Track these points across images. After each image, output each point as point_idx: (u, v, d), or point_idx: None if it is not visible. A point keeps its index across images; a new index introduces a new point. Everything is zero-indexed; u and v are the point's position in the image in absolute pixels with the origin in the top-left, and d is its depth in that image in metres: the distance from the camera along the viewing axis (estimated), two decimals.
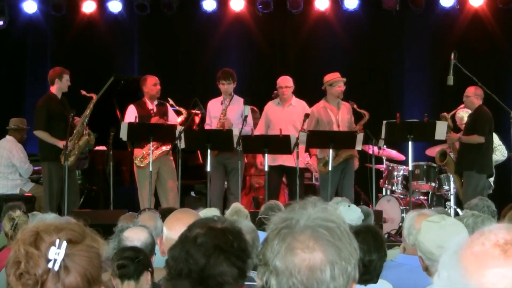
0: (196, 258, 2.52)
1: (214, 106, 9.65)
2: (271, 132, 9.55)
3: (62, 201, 9.36)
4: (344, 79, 9.69)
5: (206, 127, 9.72)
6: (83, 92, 9.54)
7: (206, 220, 2.73)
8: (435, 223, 3.60)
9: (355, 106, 9.52)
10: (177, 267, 2.52)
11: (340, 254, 1.67)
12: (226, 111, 9.55)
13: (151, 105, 9.74)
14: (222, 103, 9.64)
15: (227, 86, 9.58)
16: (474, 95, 9.33)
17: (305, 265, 1.65)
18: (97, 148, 10.58)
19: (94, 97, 9.58)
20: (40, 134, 9.44)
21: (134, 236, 4.33)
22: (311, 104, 9.87)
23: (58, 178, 9.37)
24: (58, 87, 9.45)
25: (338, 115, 9.61)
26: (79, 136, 9.46)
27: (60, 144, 9.29)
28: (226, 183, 9.78)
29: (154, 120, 9.58)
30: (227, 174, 9.68)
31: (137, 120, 9.51)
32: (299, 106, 9.79)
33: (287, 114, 9.72)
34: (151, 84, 9.72)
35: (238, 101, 9.70)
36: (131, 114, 9.66)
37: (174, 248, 2.58)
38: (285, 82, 9.81)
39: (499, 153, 10.27)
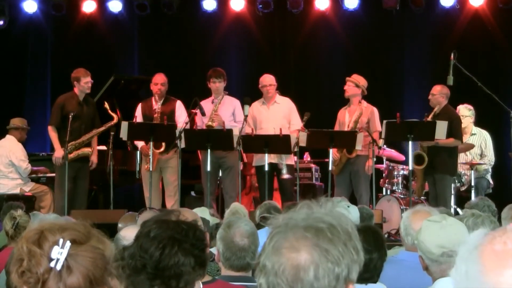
0: (150, 252, 2.52)
1: (205, 106, 9.64)
2: (260, 133, 9.57)
3: (72, 201, 9.48)
4: (352, 79, 9.70)
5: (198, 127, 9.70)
6: (106, 106, 9.61)
7: (160, 215, 2.73)
8: (435, 222, 3.60)
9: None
10: (133, 263, 2.53)
11: (326, 255, 1.66)
12: (217, 107, 9.57)
13: (156, 104, 9.77)
14: (213, 102, 9.66)
15: (218, 84, 9.63)
16: (440, 93, 9.34)
17: (290, 264, 1.65)
18: (97, 148, 10.57)
19: (115, 119, 9.61)
20: (49, 130, 9.56)
21: (131, 235, 4.31)
22: (309, 103, 9.89)
23: (69, 178, 9.41)
24: (77, 89, 9.55)
25: (353, 116, 9.64)
26: (82, 146, 9.47)
27: (58, 151, 9.31)
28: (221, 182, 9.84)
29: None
30: (221, 174, 9.71)
31: (136, 120, 9.56)
32: (284, 103, 9.82)
33: (273, 112, 9.74)
34: (152, 83, 9.79)
35: (230, 100, 9.76)
36: (136, 114, 9.79)
37: (130, 246, 2.59)
38: (269, 80, 9.82)
39: (487, 160, 10.30)
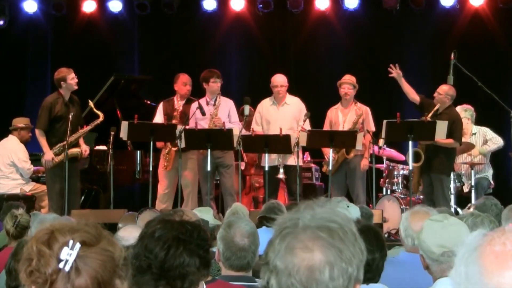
0: (155, 252, 2.53)
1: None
2: (269, 133, 9.55)
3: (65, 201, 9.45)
4: (350, 81, 9.69)
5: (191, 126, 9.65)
6: (91, 104, 9.57)
7: (164, 215, 2.73)
8: (437, 222, 3.58)
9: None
10: (138, 263, 2.53)
11: (340, 255, 1.66)
12: (218, 110, 9.56)
13: (177, 104, 9.77)
14: (208, 104, 9.64)
15: (219, 84, 9.63)
16: (446, 94, 9.34)
17: (304, 265, 1.65)
18: (97, 147, 10.58)
19: (101, 117, 9.53)
20: (37, 133, 9.46)
21: (129, 235, 4.31)
22: (309, 103, 9.89)
23: (60, 178, 9.38)
24: (66, 88, 9.42)
25: (347, 116, 9.64)
26: (70, 147, 9.39)
27: (47, 154, 9.28)
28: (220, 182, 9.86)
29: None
30: (218, 174, 9.71)
31: (155, 119, 9.66)
32: (294, 103, 9.79)
33: (283, 113, 9.72)
34: (181, 83, 9.79)
35: (225, 101, 9.75)
36: (158, 113, 9.84)
37: (134, 246, 2.59)
38: (281, 81, 9.77)
39: (492, 143, 10.28)
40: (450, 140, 9.22)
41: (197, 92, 9.84)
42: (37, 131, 9.45)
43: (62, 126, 9.31)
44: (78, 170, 9.63)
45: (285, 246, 1.67)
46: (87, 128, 9.54)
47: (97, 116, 9.53)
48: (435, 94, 9.39)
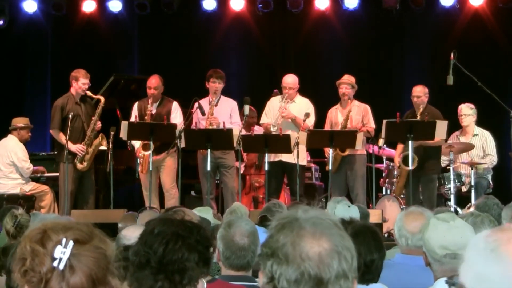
0: (154, 247, 2.54)
1: (203, 106, 9.62)
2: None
3: (81, 201, 9.60)
4: (348, 81, 9.69)
5: (193, 126, 9.70)
6: (89, 93, 9.66)
7: (165, 215, 2.74)
8: (444, 222, 3.53)
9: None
10: (138, 260, 2.54)
11: (343, 242, 1.74)
12: (213, 109, 9.57)
13: (151, 106, 9.76)
14: (210, 103, 9.65)
15: (218, 85, 9.64)
16: (425, 94, 9.54)
17: (314, 251, 1.70)
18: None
19: (102, 100, 9.64)
20: (53, 133, 9.65)
21: (131, 234, 4.32)
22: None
23: (71, 179, 9.46)
24: (74, 89, 9.62)
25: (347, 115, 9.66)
26: (91, 141, 9.55)
27: (73, 147, 9.39)
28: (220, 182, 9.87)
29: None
30: (219, 174, 9.71)
31: (131, 119, 9.63)
32: (302, 103, 9.80)
33: (289, 109, 9.72)
34: (147, 86, 9.77)
35: (227, 101, 9.75)
36: (132, 113, 9.81)
37: (135, 244, 2.60)
38: (289, 82, 9.75)
39: (488, 160, 10.27)
40: (438, 139, 9.28)
41: (200, 92, 9.84)
42: (52, 132, 9.66)
43: (75, 123, 9.49)
44: (92, 170, 9.77)
45: (294, 235, 1.72)
46: (95, 117, 9.63)
47: (98, 101, 9.70)
48: (415, 99, 9.52)
